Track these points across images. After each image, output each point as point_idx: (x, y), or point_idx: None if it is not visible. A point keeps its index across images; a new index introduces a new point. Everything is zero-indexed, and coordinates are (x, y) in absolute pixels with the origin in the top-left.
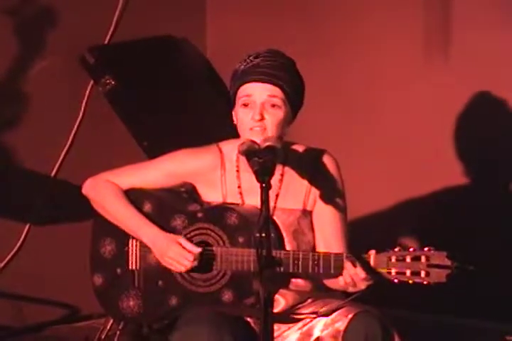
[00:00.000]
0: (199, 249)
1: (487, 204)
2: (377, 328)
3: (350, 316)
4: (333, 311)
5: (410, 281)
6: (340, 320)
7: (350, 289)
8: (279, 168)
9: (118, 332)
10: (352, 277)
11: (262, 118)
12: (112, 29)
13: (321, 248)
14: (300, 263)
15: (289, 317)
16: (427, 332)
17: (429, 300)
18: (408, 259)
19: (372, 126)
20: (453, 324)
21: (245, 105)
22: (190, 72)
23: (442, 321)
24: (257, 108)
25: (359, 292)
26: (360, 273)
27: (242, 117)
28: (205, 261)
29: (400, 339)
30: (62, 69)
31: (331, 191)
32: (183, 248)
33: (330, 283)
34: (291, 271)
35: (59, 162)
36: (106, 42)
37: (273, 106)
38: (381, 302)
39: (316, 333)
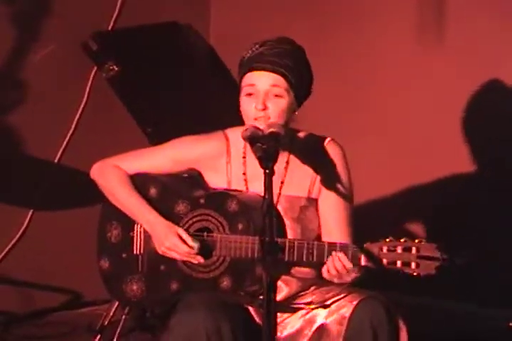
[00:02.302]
0: (196, 244)
1: (491, 192)
2: (383, 314)
3: (355, 302)
4: (332, 303)
5: (401, 272)
6: (346, 306)
7: (336, 281)
8: (284, 155)
9: (124, 317)
10: (337, 269)
11: (265, 108)
12: (115, 15)
13: (324, 236)
14: (295, 251)
15: (289, 307)
16: (434, 317)
17: (437, 286)
18: (399, 250)
19: (376, 114)
20: (459, 310)
21: (249, 94)
22: (194, 59)
23: (449, 307)
24: (260, 97)
25: (351, 281)
26: (346, 264)
27: (246, 106)
28: (205, 248)
29: (406, 325)
30: (65, 55)
31: (336, 179)
32: (181, 240)
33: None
34: (286, 259)
35: (62, 147)
36: (109, 28)
37: (276, 95)
38: (387, 287)
39: (320, 320)
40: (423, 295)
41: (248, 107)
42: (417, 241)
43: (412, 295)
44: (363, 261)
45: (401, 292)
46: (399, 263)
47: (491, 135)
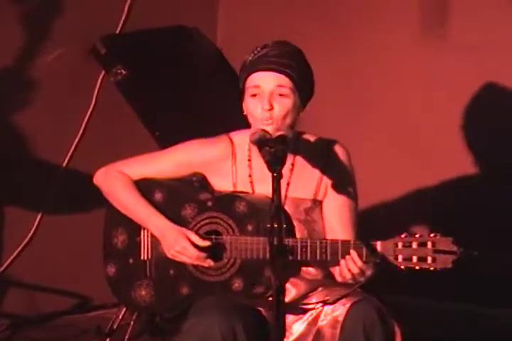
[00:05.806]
0: (207, 243)
1: (498, 191)
2: (375, 317)
3: (347, 305)
4: (338, 299)
5: (417, 267)
6: (339, 309)
7: (350, 282)
8: (289, 158)
9: (132, 323)
10: (350, 270)
11: (272, 108)
12: (123, 18)
13: (329, 237)
14: (308, 250)
15: (297, 308)
16: (435, 318)
17: (436, 287)
18: (414, 245)
19: (381, 115)
20: (469, 311)
21: (254, 95)
22: (201, 62)
23: (451, 308)
24: (266, 97)
25: (365, 280)
26: (358, 262)
27: (252, 107)
28: (215, 250)
29: (399, 327)
30: (73, 58)
31: (341, 181)
32: (190, 242)
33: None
34: (299, 258)
35: (71, 152)
36: (117, 31)
37: (281, 95)
38: (386, 289)
39: (318, 323)
40: (424, 296)
41: (254, 108)
42: (432, 235)
43: (412, 296)
44: (379, 258)
45: (404, 294)
46: (414, 259)
47: (498, 135)
